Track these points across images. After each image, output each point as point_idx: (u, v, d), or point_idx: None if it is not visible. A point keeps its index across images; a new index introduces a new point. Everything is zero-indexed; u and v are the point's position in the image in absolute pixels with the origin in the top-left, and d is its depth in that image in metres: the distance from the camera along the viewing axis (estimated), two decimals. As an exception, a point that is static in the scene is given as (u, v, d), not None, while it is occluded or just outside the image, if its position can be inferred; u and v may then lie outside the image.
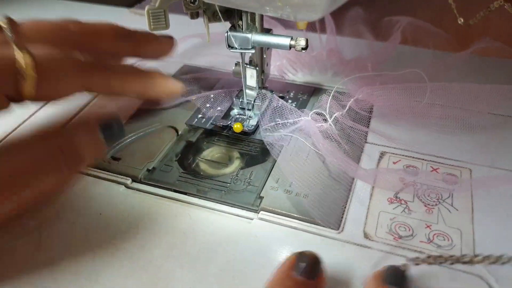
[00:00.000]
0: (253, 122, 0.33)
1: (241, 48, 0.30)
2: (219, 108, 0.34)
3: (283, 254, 0.24)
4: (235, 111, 0.34)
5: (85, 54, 0.29)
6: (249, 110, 0.34)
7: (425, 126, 0.32)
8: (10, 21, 0.26)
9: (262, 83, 0.34)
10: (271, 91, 0.35)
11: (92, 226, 0.26)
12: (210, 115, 0.34)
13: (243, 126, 0.32)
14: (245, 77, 0.33)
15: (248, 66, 0.32)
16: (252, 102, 0.33)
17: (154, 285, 0.22)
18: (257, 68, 0.32)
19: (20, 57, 0.24)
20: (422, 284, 0.22)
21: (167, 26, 0.28)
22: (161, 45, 0.34)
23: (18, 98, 0.25)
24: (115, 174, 0.29)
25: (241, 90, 0.34)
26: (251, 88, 0.34)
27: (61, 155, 0.24)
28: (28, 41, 0.25)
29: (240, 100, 0.34)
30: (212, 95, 0.35)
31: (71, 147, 0.24)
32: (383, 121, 0.33)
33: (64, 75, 0.26)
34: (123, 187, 0.28)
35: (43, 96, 0.26)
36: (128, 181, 0.28)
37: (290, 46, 0.28)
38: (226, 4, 0.26)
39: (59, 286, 0.22)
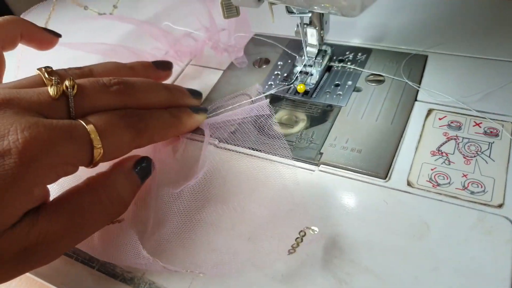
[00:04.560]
0: (313, 80, 0.38)
1: (299, 13, 0.34)
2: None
3: (338, 198, 0.30)
4: (298, 68, 0.39)
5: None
6: (310, 66, 0.39)
7: (472, 82, 0.35)
8: (72, 82, 0.28)
9: (322, 40, 0.38)
10: (331, 46, 0.39)
11: (190, 177, 0.34)
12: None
13: (305, 85, 0.37)
14: (305, 36, 0.37)
15: (308, 26, 0.37)
16: (313, 59, 0.38)
17: (241, 222, 0.30)
18: (317, 28, 0.37)
19: (88, 127, 0.27)
20: (449, 223, 0.27)
21: (238, 13, 0.34)
22: (192, 101, 0.38)
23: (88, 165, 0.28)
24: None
25: (303, 48, 0.38)
26: (312, 46, 0.38)
27: (108, 205, 0.29)
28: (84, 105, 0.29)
29: (302, 57, 0.39)
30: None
31: (114, 193, 0.29)
32: (434, 78, 0.37)
33: (122, 140, 0.29)
34: (213, 147, 0.36)
35: (106, 160, 0.29)
36: (216, 142, 0.36)
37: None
38: (278, 2, 0.30)
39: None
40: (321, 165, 0.32)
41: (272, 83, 0.40)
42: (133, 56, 0.43)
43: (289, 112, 0.37)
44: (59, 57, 0.40)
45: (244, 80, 0.41)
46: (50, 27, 0.40)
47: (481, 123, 0.32)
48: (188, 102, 0.37)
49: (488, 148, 0.31)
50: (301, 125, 0.36)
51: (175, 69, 0.43)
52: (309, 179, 0.32)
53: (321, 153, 0.33)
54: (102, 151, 0.28)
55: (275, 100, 0.38)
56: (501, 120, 0.32)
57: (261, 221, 0.30)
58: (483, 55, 0.38)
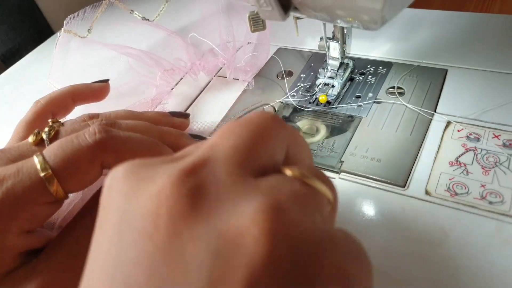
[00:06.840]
0: (335, 91, 0.40)
1: None
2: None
3: (358, 205, 0.31)
4: (320, 80, 0.41)
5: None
6: (332, 78, 0.40)
7: (491, 96, 0.36)
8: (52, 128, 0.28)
9: (344, 53, 0.40)
10: (353, 60, 0.41)
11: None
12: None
13: (327, 96, 0.39)
14: (328, 50, 0.39)
15: (331, 40, 0.38)
16: (336, 71, 0.40)
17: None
18: (339, 42, 0.38)
19: (36, 161, 0.24)
20: (467, 231, 0.28)
21: (264, 27, 0.35)
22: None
23: (56, 200, 0.25)
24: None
25: (326, 60, 0.40)
26: (334, 59, 0.40)
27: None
28: None
29: (325, 69, 0.40)
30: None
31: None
32: (453, 91, 0.37)
33: (77, 151, 0.25)
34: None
35: (74, 190, 0.26)
36: (240, 149, 0.38)
37: None
38: (304, 15, 0.32)
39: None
40: (342, 173, 0.34)
41: (295, 94, 0.41)
42: (152, 63, 0.45)
43: (310, 122, 0.39)
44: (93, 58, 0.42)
45: (268, 92, 0.43)
46: (94, 28, 0.42)
47: (500, 135, 0.33)
48: (182, 144, 0.33)
49: (507, 160, 0.31)
50: (322, 134, 0.37)
51: (202, 80, 0.46)
52: (330, 186, 0.33)
53: (342, 162, 0.34)
54: (50, 171, 0.24)
55: (297, 110, 0.40)
56: (520, 133, 0.33)
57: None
58: (501, 69, 0.38)
